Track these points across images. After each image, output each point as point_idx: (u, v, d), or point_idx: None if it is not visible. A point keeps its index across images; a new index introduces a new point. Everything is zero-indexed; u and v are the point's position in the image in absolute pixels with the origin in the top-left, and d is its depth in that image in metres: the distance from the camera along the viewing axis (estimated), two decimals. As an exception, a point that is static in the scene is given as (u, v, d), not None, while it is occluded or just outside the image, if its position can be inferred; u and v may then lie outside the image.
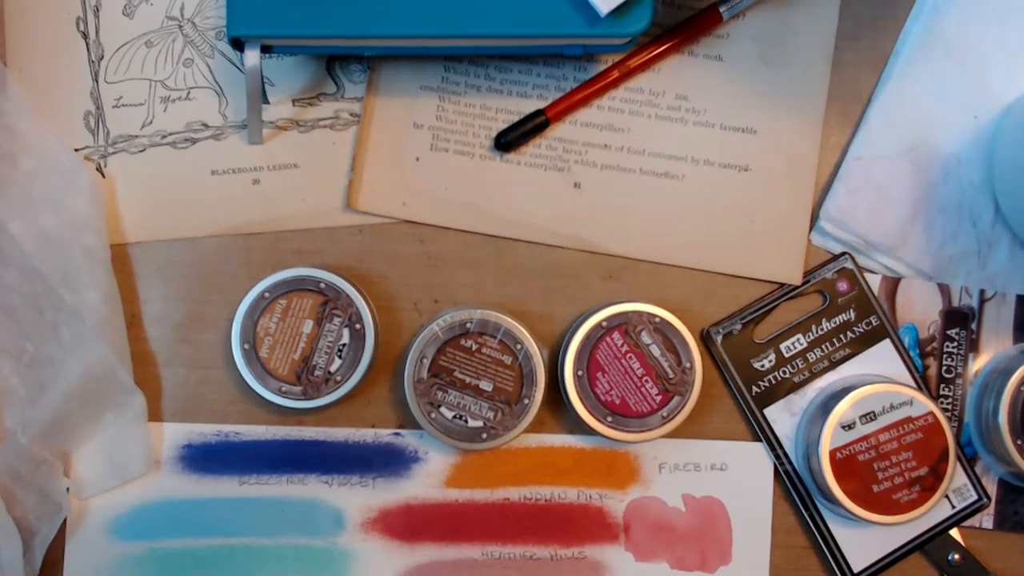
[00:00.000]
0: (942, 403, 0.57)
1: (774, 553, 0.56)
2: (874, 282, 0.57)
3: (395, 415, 0.57)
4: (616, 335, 0.54)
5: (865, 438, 0.54)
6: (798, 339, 0.57)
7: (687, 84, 0.57)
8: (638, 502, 0.56)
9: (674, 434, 0.56)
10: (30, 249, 0.54)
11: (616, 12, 0.51)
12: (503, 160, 0.57)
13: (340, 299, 0.54)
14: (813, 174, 0.57)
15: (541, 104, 0.57)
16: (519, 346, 0.54)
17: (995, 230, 0.57)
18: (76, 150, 0.56)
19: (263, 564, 0.56)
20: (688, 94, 0.57)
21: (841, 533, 0.56)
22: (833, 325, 0.57)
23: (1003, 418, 0.55)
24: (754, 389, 0.57)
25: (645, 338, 0.55)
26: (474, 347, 0.54)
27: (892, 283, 0.57)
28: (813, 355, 0.57)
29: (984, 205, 0.57)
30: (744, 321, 0.57)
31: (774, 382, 0.57)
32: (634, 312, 0.55)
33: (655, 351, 0.55)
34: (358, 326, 0.54)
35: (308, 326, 0.54)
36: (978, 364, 0.57)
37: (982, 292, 0.57)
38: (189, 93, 0.57)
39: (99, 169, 0.57)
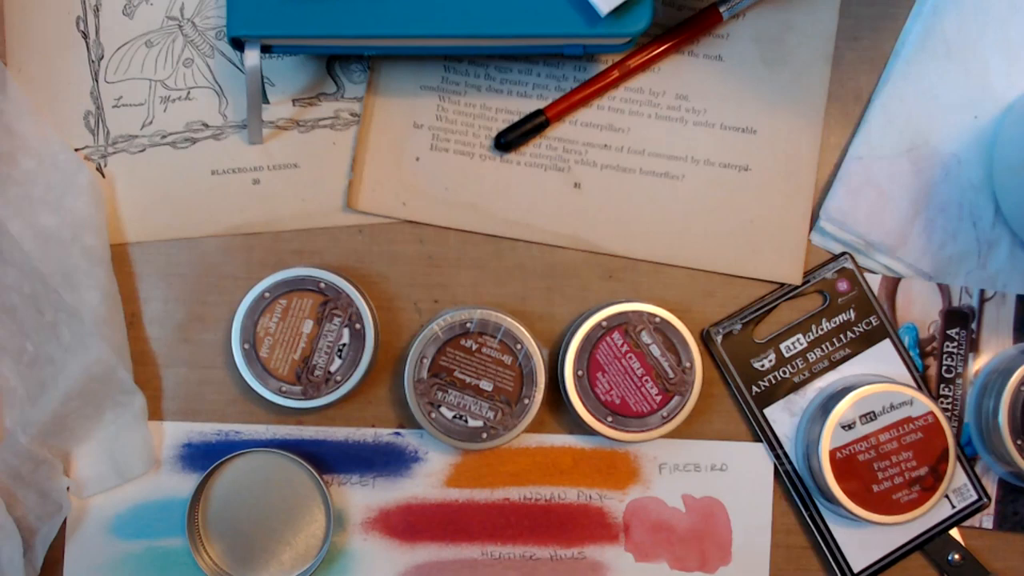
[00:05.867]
0: (942, 403, 0.57)
1: (774, 553, 0.56)
2: (874, 282, 0.57)
3: (395, 415, 0.57)
4: (616, 335, 0.54)
5: (865, 438, 0.54)
6: (798, 339, 0.57)
7: (687, 84, 0.57)
8: (638, 502, 0.57)
9: (674, 434, 0.56)
10: (30, 249, 0.54)
11: (616, 12, 0.51)
12: (503, 160, 0.57)
13: (340, 299, 0.54)
14: (813, 174, 0.57)
15: (541, 104, 0.57)
16: (519, 346, 0.54)
17: (995, 230, 0.57)
18: (76, 150, 0.56)
19: (263, 564, 0.56)
20: (688, 94, 0.57)
21: (841, 533, 0.56)
22: (833, 325, 0.57)
23: (1003, 418, 0.55)
24: (754, 389, 0.57)
25: (645, 338, 0.55)
26: (474, 347, 0.54)
27: (892, 283, 0.57)
28: (813, 355, 0.57)
29: (984, 205, 0.57)
30: (744, 321, 0.57)
31: (774, 382, 0.57)
32: (634, 312, 0.55)
33: (655, 351, 0.55)
34: (358, 326, 0.54)
35: (308, 326, 0.54)
36: (978, 364, 0.57)
37: (982, 292, 0.57)
38: (189, 93, 0.57)
39: (99, 169, 0.57)
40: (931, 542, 0.56)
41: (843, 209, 0.57)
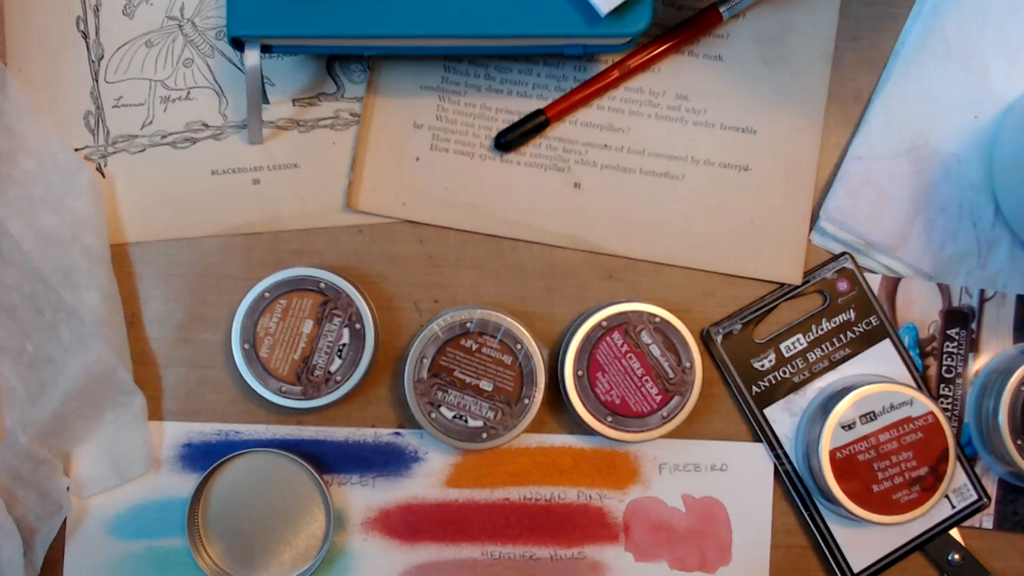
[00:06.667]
0: (942, 403, 0.57)
1: (774, 553, 0.56)
2: (874, 282, 0.57)
3: (395, 415, 0.57)
4: (616, 335, 0.54)
5: (865, 438, 0.54)
6: (798, 339, 0.57)
7: (687, 84, 0.57)
8: (638, 502, 0.57)
9: (674, 434, 0.56)
10: (30, 249, 0.54)
11: (616, 12, 0.51)
12: (503, 160, 0.57)
13: (340, 299, 0.54)
14: (813, 174, 0.57)
15: (541, 104, 0.57)
16: (519, 346, 0.54)
17: (995, 230, 0.57)
18: (76, 150, 0.56)
19: (263, 564, 0.56)
20: (688, 94, 0.57)
21: (841, 533, 0.56)
22: (833, 325, 0.57)
23: (1003, 418, 0.55)
24: (754, 389, 0.57)
25: (645, 338, 0.55)
26: (474, 347, 0.54)
27: (892, 283, 0.57)
28: (813, 355, 0.57)
29: (984, 205, 0.57)
30: (744, 321, 0.57)
31: (774, 382, 0.57)
32: (634, 312, 0.55)
33: (655, 351, 0.55)
34: (358, 326, 0.54)
35: (308, 326, 0.54)
36: (978, 364, 0.57)
37: (982, 292, 0.57)
38: (189, 93, 0.57)
39: (99, 169, 0.57)
40: (931, 542, 0.56)
41: (843, 209, 0.57)
